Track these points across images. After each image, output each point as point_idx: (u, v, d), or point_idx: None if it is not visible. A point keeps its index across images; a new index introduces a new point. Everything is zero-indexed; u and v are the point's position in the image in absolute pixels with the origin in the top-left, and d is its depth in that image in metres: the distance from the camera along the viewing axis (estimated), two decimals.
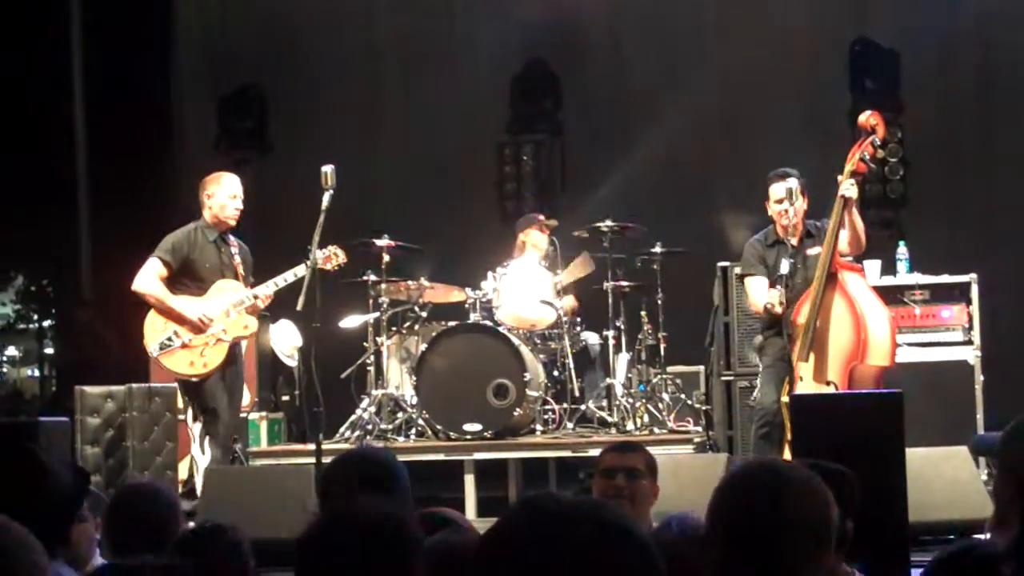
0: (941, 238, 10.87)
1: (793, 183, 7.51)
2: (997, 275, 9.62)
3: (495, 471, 9.20)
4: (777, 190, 7.57)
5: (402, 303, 9.62)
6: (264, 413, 10.05)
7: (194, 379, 7.81)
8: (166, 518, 3.91)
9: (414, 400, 9.16)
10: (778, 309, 7.29)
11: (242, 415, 9.53)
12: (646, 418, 9.16)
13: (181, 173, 13.12)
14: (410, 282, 9.52)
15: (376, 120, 12.26)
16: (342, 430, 9.18)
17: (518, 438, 9.09)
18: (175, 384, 9.13)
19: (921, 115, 11.56)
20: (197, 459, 7.82)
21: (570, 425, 9.18)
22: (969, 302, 8.72)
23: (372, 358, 9.51)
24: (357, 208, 9.51)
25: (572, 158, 12.44)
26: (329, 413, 7.64)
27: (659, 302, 9.57)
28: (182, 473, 8.83)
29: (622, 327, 9.52)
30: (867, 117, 7.42)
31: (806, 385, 7.08)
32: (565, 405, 9.25)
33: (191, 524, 4.38)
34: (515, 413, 8.92)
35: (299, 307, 7.33)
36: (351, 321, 9.64)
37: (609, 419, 9.15)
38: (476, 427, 8.91)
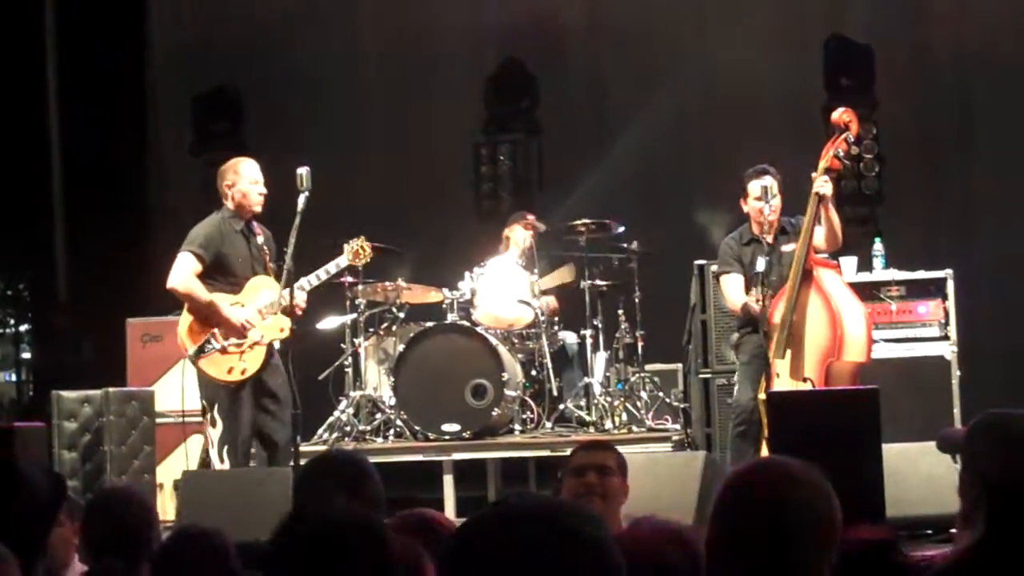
0: (917, 234, 10.90)
1: (769, 180, 7.55)
2: (973, 270, 9.65)
3: (474, 471, 9.20)
4: (754, 187, 7.60)
5: (379, 304, 9.61)
6: None
7: (232, 385, 7.38)
8: (141, 522, 3.90)
9: (392, 401, 9.15)
10: (756, 308, 7.31)
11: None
12: (624, 416, 9.15)
13: (156, 174, 13.10)
14: (387, 283, 9.51)
15: (352, 121, 12.22)
16: (320, 432, 9.17)
17: (497, 438, 9.09)
18: (152, 389, 9.13)
19: (896, 111, 11.58)
20: (215, 466, 7.54)
21: (549, 424, 9.19)
22: (945, 298, 8.74)
23: (350, 359, 9.50)
24: (333, 210, 9.48)
25: (549, 157, 12.44)
26: (307, 415, 7.62)
27: (636, 300, 9.59)
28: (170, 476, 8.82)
29: (600, 326, 9.54)
30: (840, 114, 7.45)
31: (783, 382, 7.10)
32: (543, 405, 9.26)
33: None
34: (493, 413, 8.92)
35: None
36: (328, 322, 9.63)
37: (587, 418, 9.16)
38: (455, 427, 8.91)
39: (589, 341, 9.39)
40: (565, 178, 11.99)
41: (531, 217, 9.93)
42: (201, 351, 7.42)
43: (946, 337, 8.69)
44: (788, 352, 7.14)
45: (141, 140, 12.98)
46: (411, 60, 12.49)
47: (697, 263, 9.14)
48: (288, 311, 7.33)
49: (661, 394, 9.58)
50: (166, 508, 8.65)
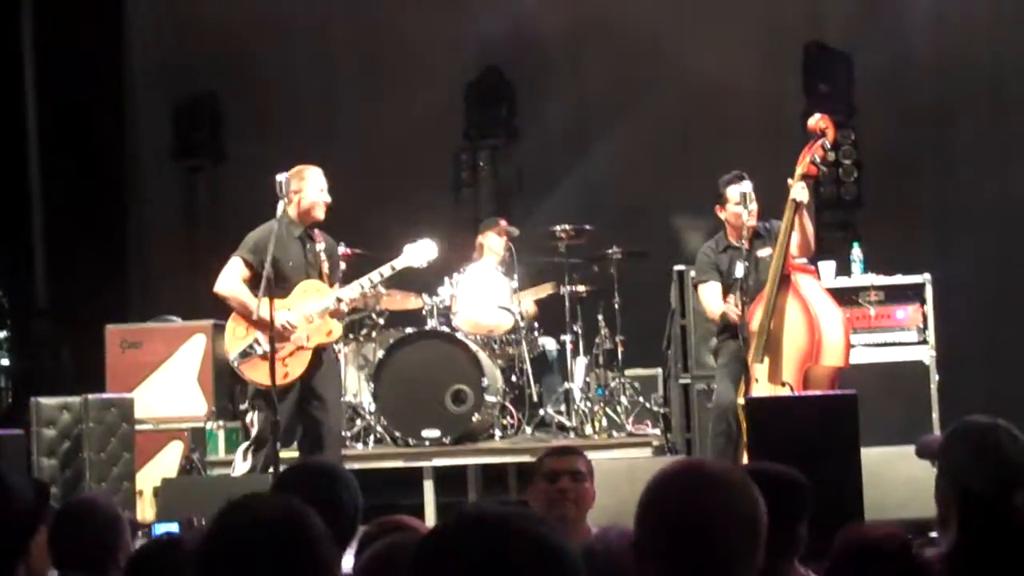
0: (895, 239, 10.92)
1: (747, 186, 7.57)
2: (951, 275, 9.69)
3: (454, 477, 9.21)
4: (733, 193, 7.61)
5: (359, 310, 9.60)
6: (222, 422, 10.00)
7: (277, 389, 7.19)
8: (108, 532, 3.87)
9: (372, 407, 9.16)
10: (735, 316, 7.32)
11: (199, 425, 9.52)
12: (604, 422, 9.18)
13: (136, 182, 13.07)
14: (367, 289, 9.49)
15: (330, 129, 12.21)
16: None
17: (477, 444, 9.10)
18: (131, 395, 9.11)
19: (875, 117, 11.64)
20: (237, 463, 7.56)
21: (529, 430, 9.21)
22: (924, 302, 8.77)
23: None
24: None
25: (528, 163, 12.45)
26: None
27: (616, 306, 9.61)
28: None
29: (579, 331, 9.55)
30: (817, 120, 7.48)
31: (761, 387, 7.11)
32: (523, 410, 9.27)
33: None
34: (473, 419, 8.92)
35: (255, 315, 7.30)
36: None
37: (567, 423, 9.18)
38: (435, 433, 8.91)
39: (569, 346, 9.41)
40: (544, 184, 12.00)
41: (503, 223, 9.94)
42: (243, 355, 7.42)
43: (924, 342, 8.72)
44: (767, 357, 7.15)
45: (121, 148, 12.95)
46: (391, 67, 12.48)
47: (676, 268, 9.15)
48: (336, 314, 7.40)
49: (641, 399, 9.59)
50: (146, 515, 8.62)
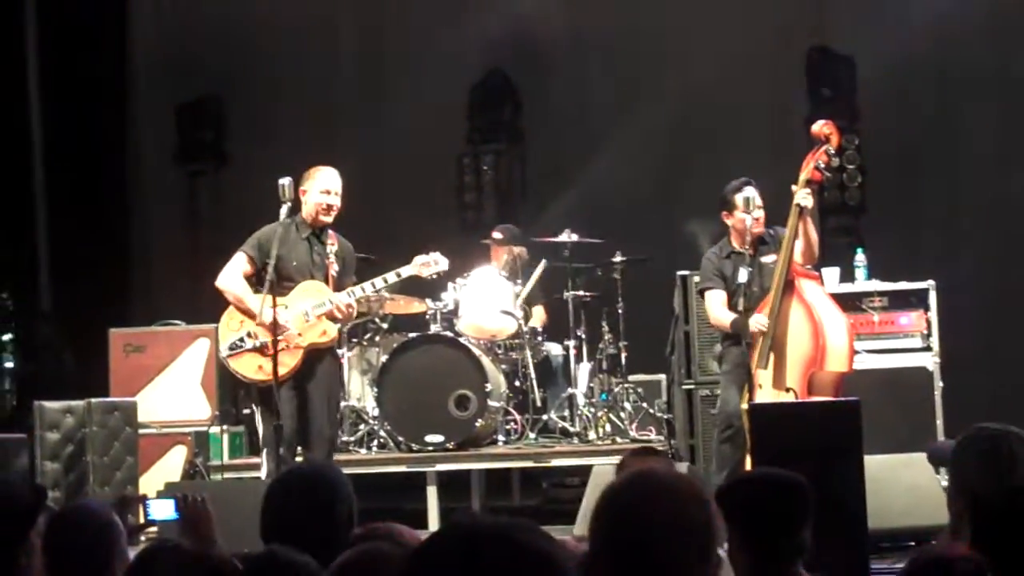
0: (899, 245, 10.92)
1: (752, 192, 7.56)
2: (955, 281, 9.67)
3: (458, 482, 9.20)
4: (739, 200, 7.59)
5: (362, 315, 9.59)
6: (225, 426, 10.00)
7: (261, 385, 7.35)
8: (102, 539, 3.85)
9: (376, 412, 9.15)
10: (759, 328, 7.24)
11: (203, 429, 9.51)
12: (608, 427, 9.17)
13: (139, 184, 13.07)
14: (371, 293, 9.49)
15: (334, 132, 12.21)
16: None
17: (480, 449, 9.09)
18: (135, 399, 9.11)
19: (879, 122, 11.63)
20: (263, 466, 7.53)
21: (532, 435, 9.20)
22: (927, 308, 8.75)
23: None
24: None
25: (532, 167, 12.46)
26: None
27: (620, 311, 9.60)
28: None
29: (583, 337, 9.55)
30: (821, 126, 7.47)
31: (765, 393, 7.11)
32: (527, 415, 9.26)
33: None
34: (477, 424, 8.92)
35: (258, 320, 7.30)
36: None
37: (571, 429, 9.17)
38: (438, 438, 8.91)
39: (573, 352, 9.40)
40: (548, 188, 12.00)
41: (494, 235, 10.01)
42: (232, 348, 7.47)
43: (928, 348, 8.71)
44: (771, 363, 7.15)
45: (124, 150, 12.96)
46: (394, 70, 12.48)
47: (680, 274, 9.14)
48: (335, 317, 7.41)
49: (645, 405, 9.58)
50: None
